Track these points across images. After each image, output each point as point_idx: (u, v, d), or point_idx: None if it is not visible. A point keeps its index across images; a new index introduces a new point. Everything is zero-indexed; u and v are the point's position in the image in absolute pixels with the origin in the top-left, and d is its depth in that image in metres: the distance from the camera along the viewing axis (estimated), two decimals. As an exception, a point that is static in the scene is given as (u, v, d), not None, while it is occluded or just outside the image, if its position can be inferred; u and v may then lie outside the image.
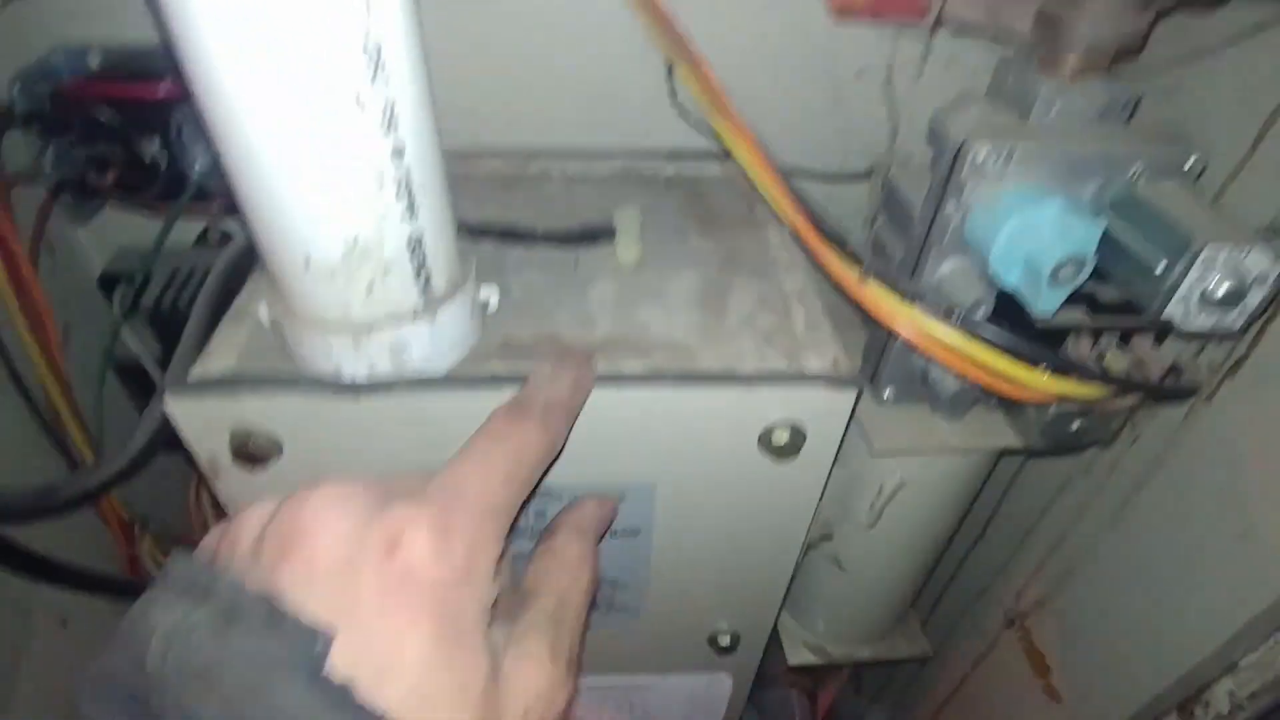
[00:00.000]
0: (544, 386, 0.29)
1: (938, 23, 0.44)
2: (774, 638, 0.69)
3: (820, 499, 0.40)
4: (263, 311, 0.33)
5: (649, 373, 0.35)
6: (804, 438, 0.36)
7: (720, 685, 0.58)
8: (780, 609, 0.50)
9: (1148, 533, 0.51)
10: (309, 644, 0.18)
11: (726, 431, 0.36)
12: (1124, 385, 0.36)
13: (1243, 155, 0.42)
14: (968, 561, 0.77)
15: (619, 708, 0.60)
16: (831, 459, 0.38)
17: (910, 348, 0.35)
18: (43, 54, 0.45)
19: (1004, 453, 0.49)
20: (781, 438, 0.36)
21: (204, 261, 0.48)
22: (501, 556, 0.24)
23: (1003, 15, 0.39)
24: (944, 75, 0.51)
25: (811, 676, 0.99)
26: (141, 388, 0.53)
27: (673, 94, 0.51)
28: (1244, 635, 0.43)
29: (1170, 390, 0.38)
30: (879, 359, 0.44)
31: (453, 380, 0.33)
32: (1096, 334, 0.38)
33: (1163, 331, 0.39)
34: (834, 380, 0.35)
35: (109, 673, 0.19)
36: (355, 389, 0.31)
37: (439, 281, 0.31)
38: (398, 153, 0.26)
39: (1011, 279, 0.33)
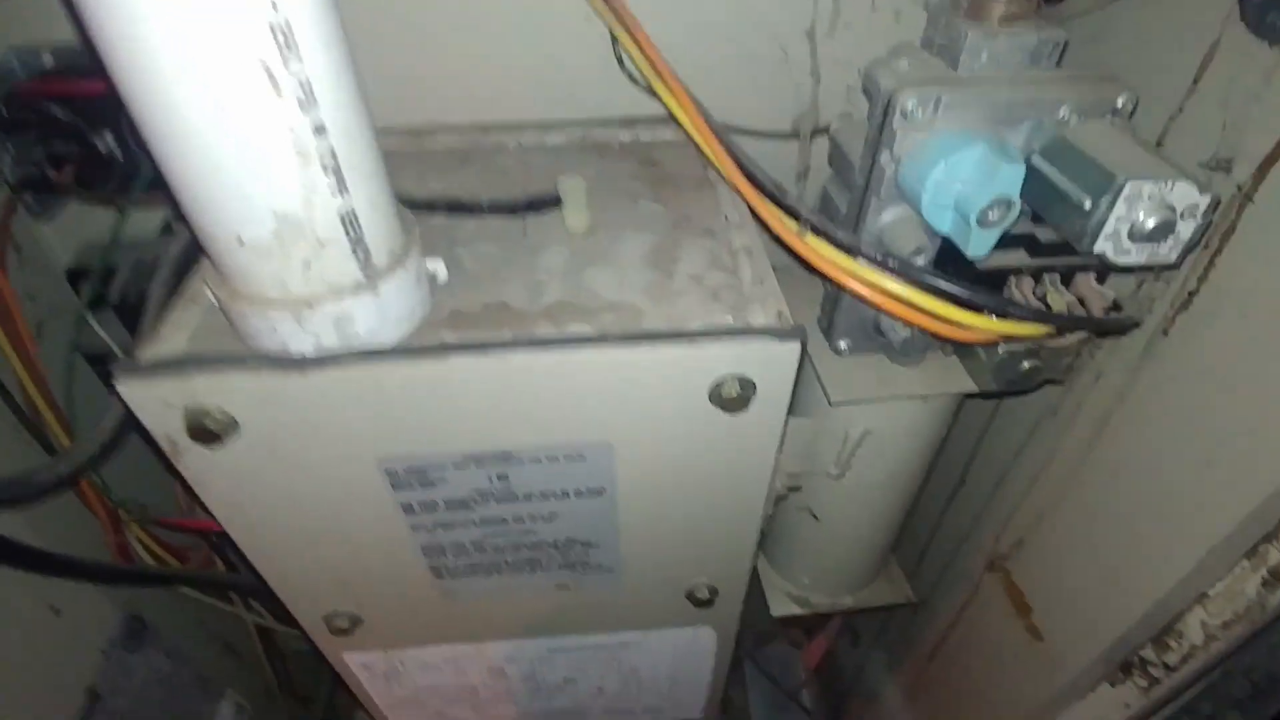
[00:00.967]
0: None
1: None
2: (762, 598, 0.70)
3: (779, 450, 0.41)
4: (209, 293, 0.33)
5: (596, 334, 0.36)
6: (754, 389, 0.37)
7: (704, 638, 0.59)
8: (754, 560, 0.51)
9: (1112, 468, 0.52)
10: None
11: (677, 388, 0.37)
12: (1062, 321, 0.36)
13: (1184, 93, 0.42)
14: (949, 510, 0.78)
15: (606, 666, 0.61)
16: (783, 409, 0.39)
17: (853, 296, 0.36)
18: (-2, 57, 0.45)
19: (966, 397, 0.50)
20: (731, 390, 0.37)
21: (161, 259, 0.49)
22: None
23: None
24: (894, 28, 0.50)
25: (804, 629, 1.01)
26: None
27: (619, 61, 0.50)
28: (1209, 563, 0.44)
29: (1109, 323, 0.39)
30: (833, 312, 0.45)
31: (400, 351, 0.34)
32: (1038, 275, 0.39)
33: (1104, 270, 0.40)
34: (778, 332, 0.35)
35: None
36: (302, 363, 0.32)
37: (379, 255, 0.32)
38: (319, 129, 0.27)
39: (944, 225, 0.34)
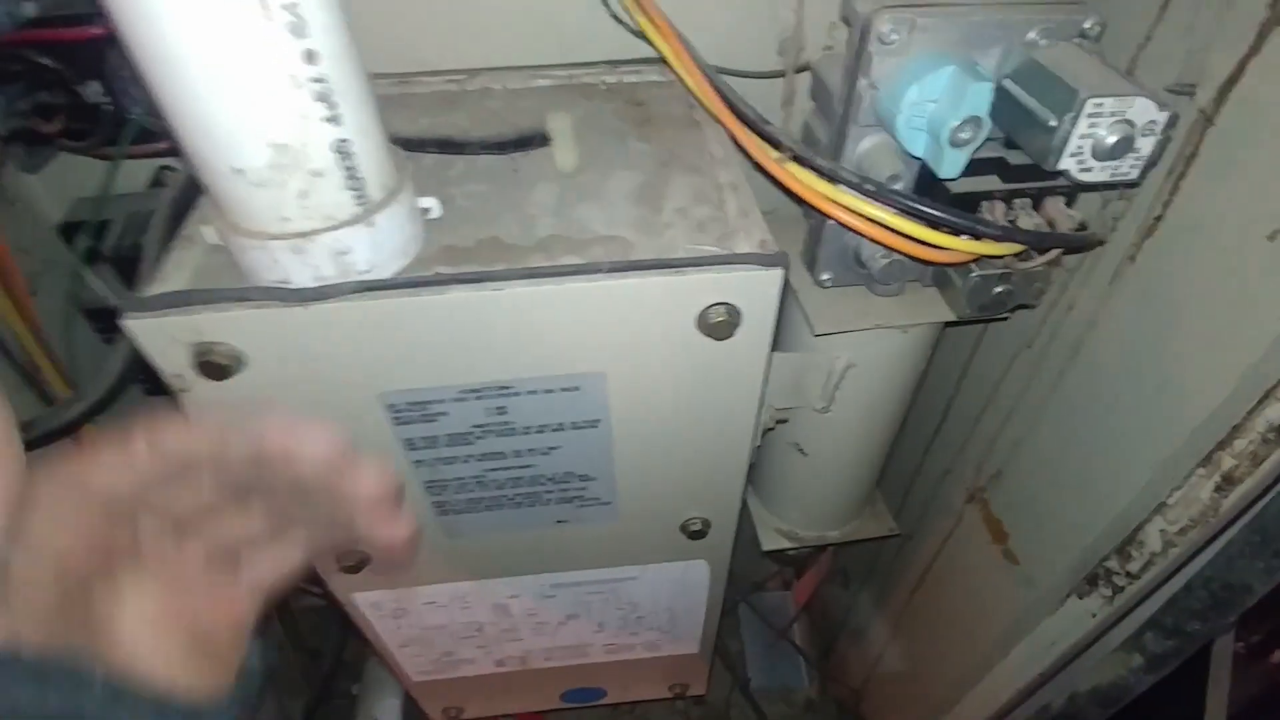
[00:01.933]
0: None
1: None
2: (756, 547, 0.73)
3: (765, 378, 0.43)
4: (209, 232, 0.34)
5: (589, 264, 0.37)
6: (739, 316, 0.38)
7: (698, 571, 0.61)
8: (744, 492, 0.53)
9: (1082, 394, 0.54)
10: None
11: (666, 316, 0.38)
12: (1031, 238, 0.38)
13: (1152, 21, 0.43)
14: (932, 447, 0.81)
15: (606, 601, 0.64)
16: (768, 335, 0.40)
17: (830, 218, 0.37)
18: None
19: (945, 326, 0.52)
20: (718, 317, 0.38)
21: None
22: None
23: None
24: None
25: (796, 572, 1.05)
26: (113, 330, 0.55)
27: (604, 2, 0.51)
28: (1167, 475, 0.46)
29: (1074, 239, 0.40)
30: (815, 244, 0.46)
31: (398, 282, 0.35)
32: (1009, 200, 0.40)
33: (1072, 193, 0.41)
34: (762, 259, 0.37)
35: None
36: (303, 295, 0.33)
37: (373, 188, 0.33)
38: (310, 56, 0.27)
39: (918, 148, 0.35)
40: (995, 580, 0.68)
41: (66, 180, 0.54)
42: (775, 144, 0.36)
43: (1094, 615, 0.53)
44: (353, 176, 0.32)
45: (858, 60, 0.37)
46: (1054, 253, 0.42)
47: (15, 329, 0.50)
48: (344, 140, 0.30)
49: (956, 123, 0.32)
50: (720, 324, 0.38)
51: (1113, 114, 0.32)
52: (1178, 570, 0.48)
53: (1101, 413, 0.52)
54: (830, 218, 0.37)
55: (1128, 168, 0.34)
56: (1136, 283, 0.48)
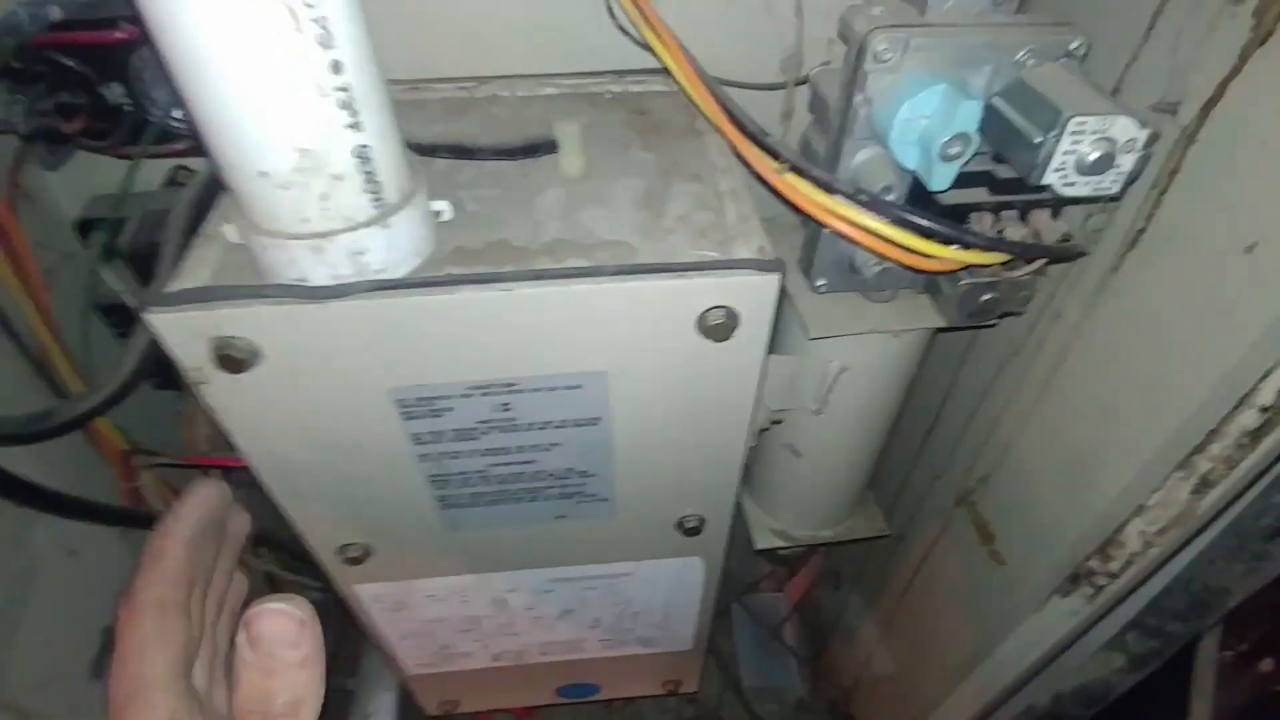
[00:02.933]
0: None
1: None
2: (749, 548, 0.74)
3: (761, 380, 0.44)
4: (230, 231, 0.36)
5: (593, 267, 0.39)
6: (737, 319, 0.40)
7: (693, 568, 0.63)
8: (739, 490, 0.55)
9: (1067, 399, 0.56)
10: None
11: (666, 318, 0.40)
12: (1017, 248, 0.40)
13: (1138, 41, 0.45)
14: (923, 452, 0.83)
15: (603, 597, 0.65)
16: (765, 338, 0.42)
17: (826, 227, 0.39)
18: (6, 12, 0.47)
19: (936, 332, 0.53)
20: (717, 319, 0.40)
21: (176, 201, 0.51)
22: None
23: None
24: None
25: (788, 569, 1.06)
26: (126, 325, 0.56)
27: (610, 12, 0.53)
28: (1146, 477, 0.48)
29: (1058, 250, 0.42)
30: (811, 251, 0.48)
31: (412, 282, 0.36)
32: (997, 212, 0.42)
33: (1056, 206, 0.43)
34: (759, 264, 0.38)
35: None
36: (320, 293, 0.34)
37: (390, 191, 0.35)
38: (336, 66, 0.29)
39: (910, 161, 0.37)
40: (982, 580, 0.70)
41: (84, 178, 0.55)
42: (775, 155, 0.38)
43: (1076, 614, 0.55)
44: (371, 180, 0.33)
45: (854, 77, 0.38)
46: (1039, 262, 0.44)
47: (30, 321, 0.51)
48: (364, 146, 0.32)
49: (947, 138, 0.34)
50: (719, 326, 0.40)
51: (1094, 132, 0.34)
52: (1157, 570, 0.50)
53: (1085, 418, 0.54)
54: (826, 226, 0.39)
55: (1109, 183, 0.36)
56: (1120, 292, 0.50)
